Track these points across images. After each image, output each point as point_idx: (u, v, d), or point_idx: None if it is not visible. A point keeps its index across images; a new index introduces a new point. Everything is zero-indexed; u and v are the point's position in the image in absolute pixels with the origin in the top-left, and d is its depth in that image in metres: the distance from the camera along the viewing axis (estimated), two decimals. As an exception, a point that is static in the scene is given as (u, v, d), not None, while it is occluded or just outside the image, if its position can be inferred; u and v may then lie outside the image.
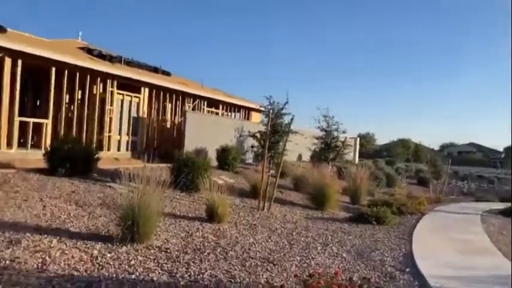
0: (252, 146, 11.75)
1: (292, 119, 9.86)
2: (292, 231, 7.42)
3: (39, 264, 4.20)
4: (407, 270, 5.63)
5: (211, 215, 7.21)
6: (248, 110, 20.54)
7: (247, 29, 58.58)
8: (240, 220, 7.73)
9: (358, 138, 29.60)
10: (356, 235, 7.71)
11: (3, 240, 4.73)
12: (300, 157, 21.93)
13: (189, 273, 4.54)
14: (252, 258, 5.45)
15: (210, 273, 4.66)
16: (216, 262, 5.05)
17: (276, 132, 9.68)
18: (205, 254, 5.33)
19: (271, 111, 9.76)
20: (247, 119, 20.29)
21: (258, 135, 10.00)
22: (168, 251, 5.25)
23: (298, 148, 17.72)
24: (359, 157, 28.44)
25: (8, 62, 10.55)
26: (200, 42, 58.43)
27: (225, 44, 59.24)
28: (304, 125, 17.57)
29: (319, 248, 6.48)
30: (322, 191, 10.26)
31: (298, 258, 5.74)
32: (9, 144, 10.77)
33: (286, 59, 63.54)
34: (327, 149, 17.17)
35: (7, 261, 4.15)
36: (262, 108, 10.24)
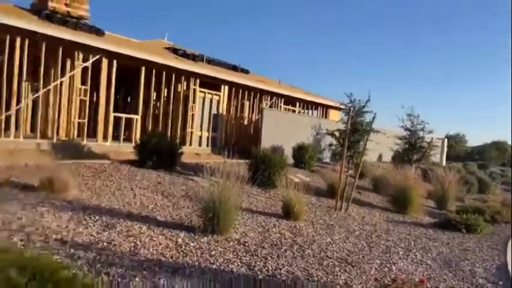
0: (330, 145, 11.52)
1: (374, 118, 9.49)
2: (372, 234, 7.17)
3: (132, 248, 4.56)
4: (501, 283, 5.14)
5: (288, 212, 7.24)
6: (326, 108, 20.22)
7: (324, 27, 57.55)
8: (316, 219, 7.65)
9: (446, 139, 27.58)
10: (443, 242, 7.21)
11: (100, 224, 5.21)
12: (380, 157, 21.06)
13: (266, 268, 4.61)
14: (330, 258, 5.36)
15: (287, 269, 4.68)
16: (293, 259, 5.06)
17: (356, 131, 9.38)
18: (282, 250, 5.36)
19: (351, 109, 9.47)
20: (325, 116, 19.98)
21: (337, 133, 9.78)
22: (246, 244, 5.38)
23: (379, 148, 17.03)
24: (447, 159, 26.53)
25: (105, 62, 11.58)
26: (279, 40, 58.75)
27: (304, 42, 58.91)
28: (386, 124, 16.80)
29: (400, 253, 6.18)
30: (404, 194, 9.78)
31: (377, 261, 5.53)
32: (104, 138, 11.82)
33: (368, 56, 61.35)
34: (411, 149, 16.26)
35: (104, 243, 4.56)
36: (342, 106, 9.99)
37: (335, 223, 7.58)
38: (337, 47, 57.14)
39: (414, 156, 15.93)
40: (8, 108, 9.87)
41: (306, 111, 19.60)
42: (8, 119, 9.85)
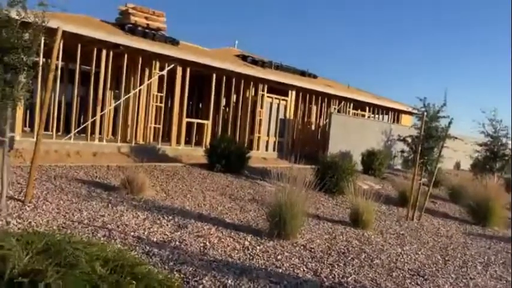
0: (402, 151, 11.01)
1: (450, 123, 8.93)
2: (447, 246, 6.74)
3: (201, 248, 4.77)
4: None
5: (355, 220, 7.07)
6: (398, 112, 19.39)
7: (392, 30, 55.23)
8: (386, 228, 7.38)
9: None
10: (528, 259, 6.56)
11: (173, 224, 5.51)
12: (457, 165, 19.70)
13: (333, 275, 4.55)
14: (400, 269, 5.14)
15: (355, 278, 4.57)
16: (361, 268, 4.93)
17: (430, 137, 8.88)
18: (349, 258, 5.25)
19: (425, 113, 8.99)
20: (397, 121, 19.17)
21: (409, 139, 9.34)
22: (313, 250, 5.35)
23: (456, 155, 15.95)
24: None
25: (179, 70, 12.23)
26: (349, 44, 57.55)
27: (371, 45, 57.08)
28: (465, 130, 15.69)
29: (479, 267, 5.74)
30: (484, 205, 9.06)
31: (453, 275, 5.19)
32: (178, 142, 12.46)
33: (446, 59, 57.77)
34: (493, 157, 14.97)
35: (177, 242, 4.82)
36: (415, 111, 9.52)
37: (406, 233, 7.24)
38: (411, 48, 54.49)
39: (496, 165, 14.64)
40: (93, 114, 10.82)
41: (376, 115, 18.96)
42: (93, 124, 10.80)
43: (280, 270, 4.47)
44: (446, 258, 5.97)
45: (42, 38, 5.71)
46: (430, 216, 9.18)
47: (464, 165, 18.83)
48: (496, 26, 49.70)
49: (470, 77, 55.05)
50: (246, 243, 5.21)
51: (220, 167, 9.95)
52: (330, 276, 4.50)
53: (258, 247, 5.12)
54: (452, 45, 54.03)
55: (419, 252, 6.08)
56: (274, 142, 14.92)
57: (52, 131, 10.08)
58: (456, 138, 9.43)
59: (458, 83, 54.00)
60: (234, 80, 13.52)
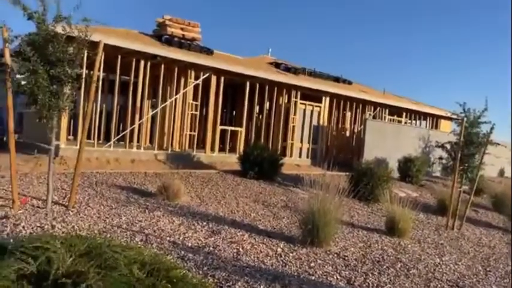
0: (440, 158, 10.63)
1: (492, 129, 8.53)
2: (489, 257, 6.46)
3: (234, 254, 4.83)
4: None
5: (391, 228, 6.91)
6: (436, 118, 18.80)
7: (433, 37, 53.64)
8: (423, 237, 7.16)
9: None
10: None
11: (207, 230, 5.62)
12: (501, 172, 18.80)
13: (367, 284, 4.48)
14: (438, 279, 4.99)
15: (390, 287, 4.48)
16: (396, 277, 4.83)
17: (471, 143, 8.53)
18: (384, 267, 5.15)
19: (465, 119, 8.66)
20: (435, 127, 18.58)
21: (448, 145, 9.02)
22: (346, 258, 5.29)
23: (499, 162, 15.25)
24: None
25: (213, 79, 12.48)
26: (385, 51, 56.52)
27: (410, 51, 55.74)
28: (508, 136, 14.99)
29: (525, 281, 5.45)
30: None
31: (494, 287, 4.98)
32: (212, 149, 12.68)
33: (488, 62, 55.47)
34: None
35: (211, 248, 4.92)
36: (454, 116, 9.20)
37: (445, 242, 7.00)
38: (450, 53, 52.75)
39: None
40: (132, 123, 11.23)
41: (414, 121, 18.46)
42: (131, 132, 11.19)
43: (313, 278, 4.45)
44: (488, 269, 5.73)
45: (85, 51, 6.04)
46: (471, 225, 8.83)
47: (509, 172, 17.95)
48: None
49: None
50: (279, 250, 5.23)
51: (253, 173, 10.03)
52: (364, 285, 4.43)
53: (290, 254, 5.12)
54: (492, 51, 51.79)
55: (459, 263, 5.87)
56: (308, 149, 14.85)
57: (93, 139, 10.55)
58: (499, 144, 8.99)
59: (501, 86, 51.57)
60: (267, 87, 13.62)
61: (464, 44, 53.26)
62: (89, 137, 10.38)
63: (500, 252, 6.89)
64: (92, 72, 6.14)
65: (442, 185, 12.33)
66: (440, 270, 5.39)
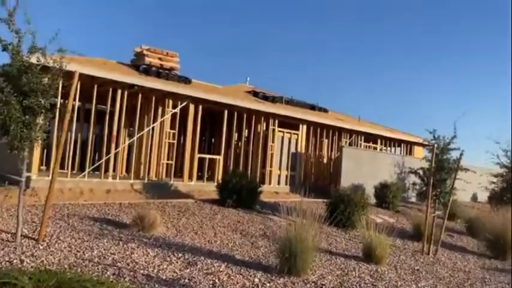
0: (414, 184, 10.92)
1: (461, 155, 8.88)
2: (464, 282, 6.55)
3: (210, 286, 4.75)
4: None
5: (369, 255, 6.94)
6: (410, 145, 19.30)
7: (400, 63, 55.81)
8: (400, 263, 7.22)
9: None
10: (551, 296, 6.31)
11: (183, 261, 5.52)
12: (474, 197, 19.30)
13: (344, 313, 4.46)
14: (414, 306, 5.00)
15: (367, 316, 4.47)
16: (373, 305, 4.82)
17: (442, 169, 8.82)
18: (362, 295, 5.14)
19: (435, 145, 8.96)
20: (409, 154, 19.05)
21: (421, 171, 9.29)
22: (324, 287, 5.26)
23: (471, 187, 15.66)
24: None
25: (191, 108, 12.55)
26: (359, 78, 58.25)
27: (381, 79, 57.66)
28: (479, 162, 15.51)
29: (498, 305, 5.53)
30: (504, 238, 8.81)
31: (470, 314, 5.02)
32: (190, 177, 12.59)
33: (453, 92, 57.85)
34: (510, 188, 14.66)
35: (186, 280, 4.82)
36: (426, 143, 9.52)
37: (421, 268, 7.07)
38: (421, 82, 54.75)
39: (515, 196, 14.32)
40: (108, 152, 11.08)
41: (389, 148, 18.89)
42: (107, 162, 11.03)
43: (290, 308, 4.40)
44: (463, 295, 5.79)
45: (60, 81, 6.01)
46: (446, 250, 8.96)
47: (482, 197, 18.44)
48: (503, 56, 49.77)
49: (482, 108, 54.64)
50: (256, 280, 5.17)
51: (232, 202, 9.98)
52: (341, 314, 4.41)
53: (267, 284, 5.07)
54: (462, 79, 54.06)
55: (435, 289, 5.92)
56: (286, 176, 14.93)
57: (67, 169, 10.33)
58: (468, 169, 9.33)
59: (471, 115, 53.57)
60: (245, 115, 13.76)
61: (435, 70, 55.43)
62: (62, 167, 10.16)
63: (475, 277, 7.00)
64: (67, 101, 6.09)
65: (417, 210, 12.54)
66: (417, 296, 5.43)
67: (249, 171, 13.62)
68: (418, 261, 7.58)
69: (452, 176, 8.91)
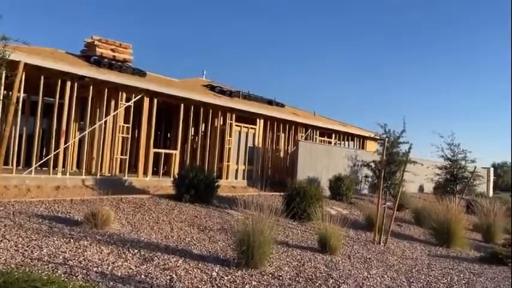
0: (366, 176, 11.36)
1: (410, 148, 9.34)
2: (412, 268, 6.90)
3: (168, 281, 4.68)
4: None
5: (324, 246, 7.15)
6: (363, 139, 20.02)
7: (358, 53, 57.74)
8: (353, 253, 7.49)
9: (492, 169, 26.25)
10: (488, 277, 6.82)
11: (139, 257, 5.39)
12: (421, 188, 20.37)
13: (300, 303, 4.56)
14: (366, 293, 5.22)
15: (322, 304, 4.60)
16: (328, 294, 4.97)
17: (392, 162, 9.23)
18: (317, 284, 5.29)
19: (386, 139, 9.37)
20: (362, 148, 19.75)
21: (373, 164, 9.67)
22: (281, 278, 5.35)
23: (418, 179, 16.52)
24: (494, 190, 25.17)
25: (146, 101, 12.22)
26: (314, 74, 59.45)
27: (338, 73, 59.22)
28: (425, 154, 16.35)
29: (442, 288, 5.90)
30: (447, 226, 9.39)
31: (418, 298, 5.31)
32: (145, 173, 12.29)
33: (406, 84, 60.54)
34: (453, 180, 15.62)
35: (142, 276, 4.72)
36: (377, 137, 9.94)
37: (373, 257, 7.37)
38: (374, 77, 56.81)
39: (457, 187, 15.27)
40: (56, 146, 10.56)
41: (343, 142, 19.47)
42: (56, 157, 10.51)
43: (248, 300, 4.44)
44: (411, 280, 6.11)
45: (3, 72, 5.65)
46: (396, 239, 9.39)
47: (428, 188, 19.50)
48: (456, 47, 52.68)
49: (426, 103, 57.67)
50: (214, 274, 5.16)
51: (189, 197, 9.85)
52: (298, 304, 4.51)
53: (225, 277, 5.07)
54: (408, 74, 56.66)
55: (385, 276, 6.20)
56: (244, 170, 14.98)
57: (12, 165, 9.72)
58: (416, 162, 9.83)
59: (416, 109, 56.37)
60: (202, 109, 13.62)
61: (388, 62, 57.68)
62: (6, 163, 9.57)
63: (422, 264, 7.40)
64: (11, 93, 5.73)
65: (369, 202, 13.03)
66: (368, 283, 5.66)
67: (206, 166, 13.53)
68: (370, 251, 7.90)
69: (402, 169, 9.33)
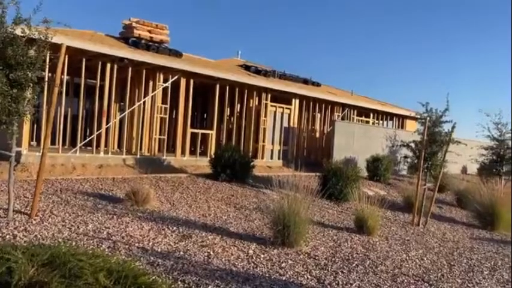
0: (405, 157, 11.04)
1: (453, 127, 8.90)
2: (453, 251, 6.71)
3: (205, 258, 4.80)
4: None
5: (360, 227, 7.06)
6: (402, 118, 19.38)
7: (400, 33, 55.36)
8: (391, 234, 7.36)
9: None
10: (536, 263, 6.50)
11: (177, 234, 5.55)
12: (464, 170, 19.57)
13: (336, 282, 4.55)
14: (404, 274, 5.13)
15: (358, 284, 4.57)
16: (365, 275, 4.93)
17: (433, 142, 8.88)
18: (354, 265, 5.25)
19: (427, 118, 8.99)
20: (401, 127, 19.14)
21: (413, 144, 9.38)
22: (317, 258, 5.36)
23: (461, 160, 15.85)
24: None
25: (183, 82, 12.36)
26: (352, 51, 57.77)
27: (377, 50, 57.24)
28: (470, 134, 15.63)
29: (485, 272, 5.70)
30: (492, 209, 9.02)
31: (458, 281, 5.17)
32: (182, 153, 12.54)
33: (448, 61, 57.68)
34: (500, 161, 14.85)
35: (181, 252, 4.86)
36: (418, 116, 9.60)
37: (411, 239, 7.21)
38: (413, 54, 54.49)
39: (503, 168, 14.53)
40: (99, 127, 10.95)
41: (381, 122, 18.95)
42: (98, 137, 10.92)
43: (284, 278, 4.48)
44: (452, 263, 5.94)
45: (47, 54, 5.85)
46: (436, 221, 9.14)
47: (471, 169, 18.71)
48: (494, 29, 49.52)
49: (473, 79, 54.78)
50: (250, 251, 5.24)
51: (225, 176, 9.99)
52: (334, 283, 4.50)
53: (262, 255, 5.14)
54: (453, 49, 53.86)
55: (425, 258, 6.06)
56: (279, 150, 14.96)
57: (58, 144, 10.21)
58: (459, 142, 9.40)
59: (462, 86, 53.72)
60: (237, 89, 13.62)
61: (427, 45, 55.15)
62: (53, 143, 10.05)
63: (463, 247, 7.17)
64: (55, 75, 5.94)
65: (408, 183, 12.70)
66: (407, 265, 5.56)
67: (242, 146, 13.60)
68: (409, 232, 7.73)
69: (444, 149, 8.96)
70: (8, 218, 5.27)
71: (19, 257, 3.17)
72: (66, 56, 8.81)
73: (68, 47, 6.49)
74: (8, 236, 4.62)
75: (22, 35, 5.25)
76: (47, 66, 8.18)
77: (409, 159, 10.17)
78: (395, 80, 53.70)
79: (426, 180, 9.23)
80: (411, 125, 18.95)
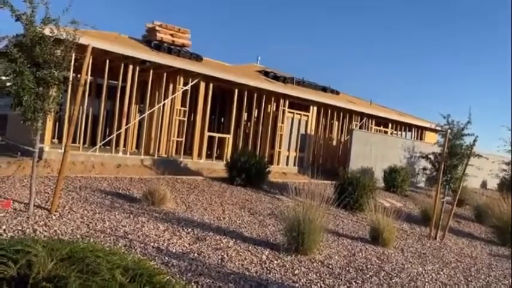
0: (424, 168, 10.87)
1: (474, 141, 8.74)
2: (470, 267, 6.56)
3: (219, 261, 4.82)
4: None
5: (375, 238, 6.97)
6: (421, 129, 19.11)
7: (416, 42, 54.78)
8: (407, 246, 7.24)
9: None
10: (558, 284, 6.30)
11: (192, 236, 5.59)
12: (484, 184, 19.16)
13: (350, 292, 4.50)
14: (420, 289, 5.04)
15: (373, 296, 4.51)
16: (379, 286, 4.87)
17: (454, 155, 8.72)
18: (368, 276, 5.19)
19: (449, 131, 8.84)
20: (420, 138, 18.87)
21: (432, 157, 9.23)
22: (330, 266, 5.31)
23: (481, 174, 15.54)
24: None
25: (202, 85, 12.49)
26: (372, 60, 57.41)
27: (395, 60, 56.73)
28: (491, 148, 15.31)
29: (504, 291, 5.55)
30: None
31: (476, 298, 5.05)
32: (199, 155, 12.64)
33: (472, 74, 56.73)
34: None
35: (195, 254, 4.89)
36: (438, 128, 9.44)
37: (428, 252, 7.08)
38: (434, 67, 53.81)
39: (525, 184, 14.19)
40: (118, 127, 11.14)
41: (399, 132, 18.73)
42: (118, 137, 11.10)
43: (297, 285, 4.46)
44: (469, 279, 5.81)
45: (73, 54, 6.00)
46: (454, 236, 8.95)
47: (492, 184, 18.30)
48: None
49: (495, 96, 53.70)
50: (264, 257, 5.23)
51: (240, 181, 10.02)
52: (347, 293, 4.45)
53: (275, 261, 5.12)
54: (474, 65, 52.95)
55: (441, 272, 5.94)
56: (295, 157, 14.92)
57: (79, 143, 10.42)
58: (481, 156, 9.21)
59: (483, 102, 52.73)
60: (255, 95, 13.67)
61: (450, 55, 54.38)
62: (74, 141, 10.26)
63: (481, 263, 7.00)
64: (79, 75, 6.09)
65: (425, 196, 12.49)
66: (423, 279, 5.46)
67: (258, 151, 13.63)
68: (425, 246, 7.60)
69: (464, 162, 8.79)
70: (28, 212, 5.40)
71: (39, 250, 3.24)
72: (91, 57, 9.00)
73: (92, 48, 6.64)
74: (28, 230, 4.73)
75: (50, 34, 5.41)
76: (72, 66, 8.38)
77: (427, 171, 10.01)
78: (415, 91, 53.01)
79: (445, 193, 9.06)
80: (430, 137, 18.67)
